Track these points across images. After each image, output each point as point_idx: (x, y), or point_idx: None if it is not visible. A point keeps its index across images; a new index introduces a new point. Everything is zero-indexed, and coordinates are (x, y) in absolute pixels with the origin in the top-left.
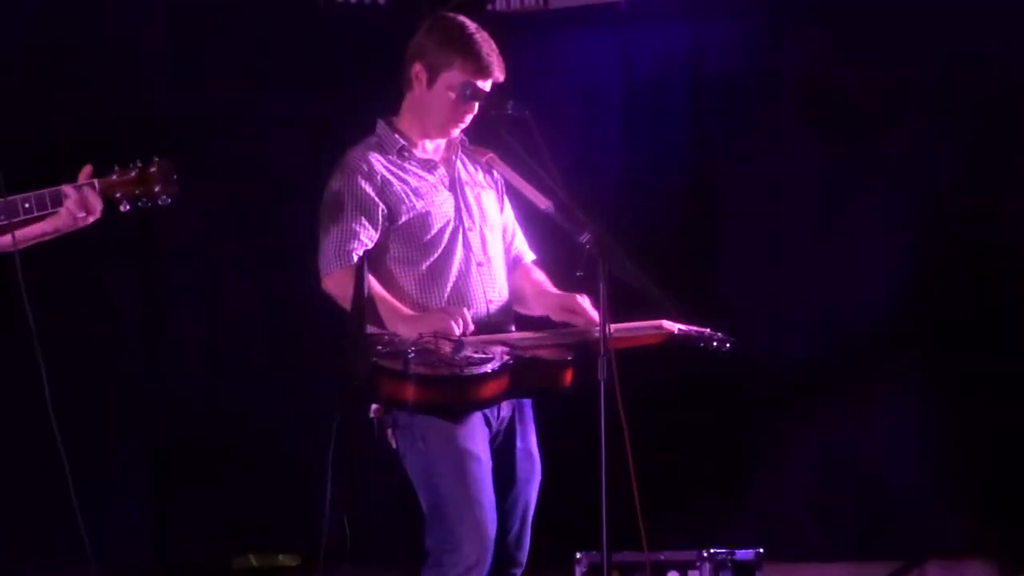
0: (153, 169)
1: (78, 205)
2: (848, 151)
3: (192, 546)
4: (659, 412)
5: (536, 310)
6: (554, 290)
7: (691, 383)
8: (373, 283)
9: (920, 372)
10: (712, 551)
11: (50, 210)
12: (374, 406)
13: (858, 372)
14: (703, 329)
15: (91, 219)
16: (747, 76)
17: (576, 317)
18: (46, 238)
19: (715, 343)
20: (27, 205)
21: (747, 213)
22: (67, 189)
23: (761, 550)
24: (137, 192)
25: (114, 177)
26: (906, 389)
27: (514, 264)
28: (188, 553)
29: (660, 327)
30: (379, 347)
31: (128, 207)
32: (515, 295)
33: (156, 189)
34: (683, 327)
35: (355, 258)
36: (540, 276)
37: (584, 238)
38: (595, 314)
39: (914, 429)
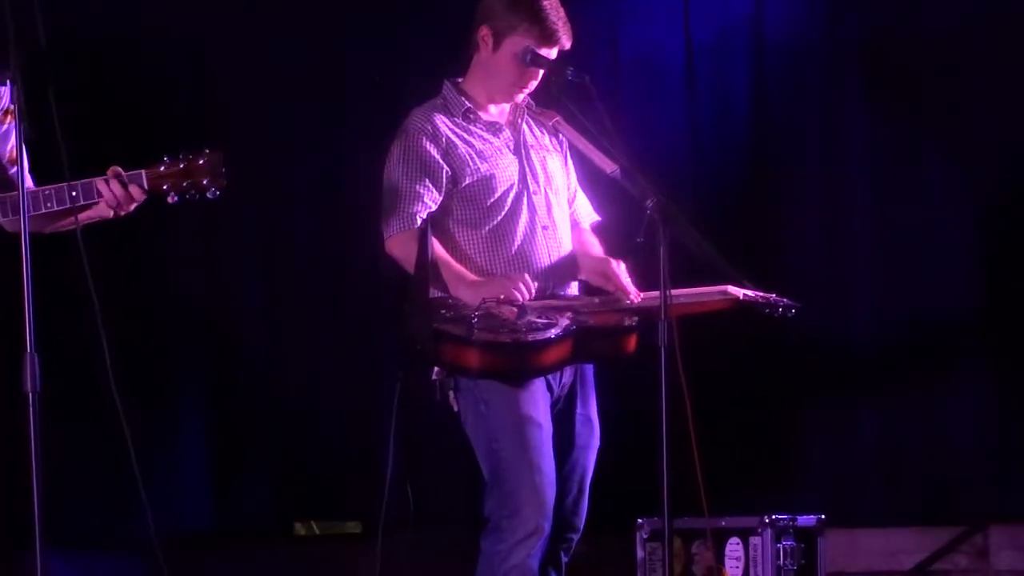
0: (202, 161)
1: (107, 201)
2: (912, 119)
3: (254, 513)
4: (721, 377)
5: (585, 275)
6: (595, 253)
7: (755, 349)
8: (436, 246)
9: (986, 340)
10: (774, 517)
11: (95, 200)
12: (436, 369)
13: (923, 340)
14: (768, 294)
15: (131, 208)
16: (809, 42)
17: (608, 283)
18: (102, 219)
19: (780, 308)
20: (74, 193)
21: (809, 181)
22: (99, 184)
23: (823, 516)
24: (185, 184)
25: (162, 168)
26: (971, 356)
27: (572, 225)
28: (250, 520)
29: (725, 292)
30: (442, 311)
31: (176, 199)
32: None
33: (204, 182)
34: (748, 292)
35: (419, 220)
36: (590, 239)
37: (649, 203)
38: (627, 282)
39: (978, 395)
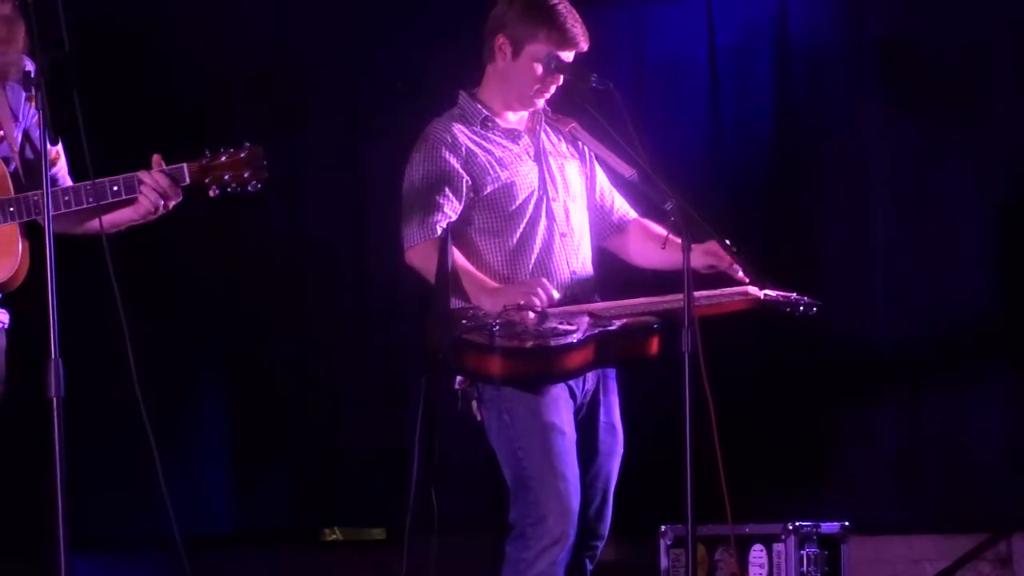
0: (243, 155)
1: (152, 190)
2: (935, 121)
3: (278, 516)
4: (744, 384)
5: (663, 261)
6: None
7: (777, 355)
8: (457, 256)
9: (1009, 345)
10: (797, 524)
11: (136, 194)
12: (459, 378)
13: (946, 344)
14: (789, 293)
15: (171, 203)
16: (832, 44)
17: (720, 261)
18: (135, 223)
19: (802, 307)
20: (115, 188)
21: (832, 183)
22: (142, 174)
23: (847, 523)
24: (227, 177)
25: (204, 162)
26: (995, 361)
27: (620, 225)
28: (273, 524)
29: (746, 293)
30: (463, 320)
31: (217, 192)
32: (636, 252)
33: (246, 175)
34: (769, 292)
35: (439, 230)
36: (660, 228)
37: (668, 206)
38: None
39: (1001, 400)
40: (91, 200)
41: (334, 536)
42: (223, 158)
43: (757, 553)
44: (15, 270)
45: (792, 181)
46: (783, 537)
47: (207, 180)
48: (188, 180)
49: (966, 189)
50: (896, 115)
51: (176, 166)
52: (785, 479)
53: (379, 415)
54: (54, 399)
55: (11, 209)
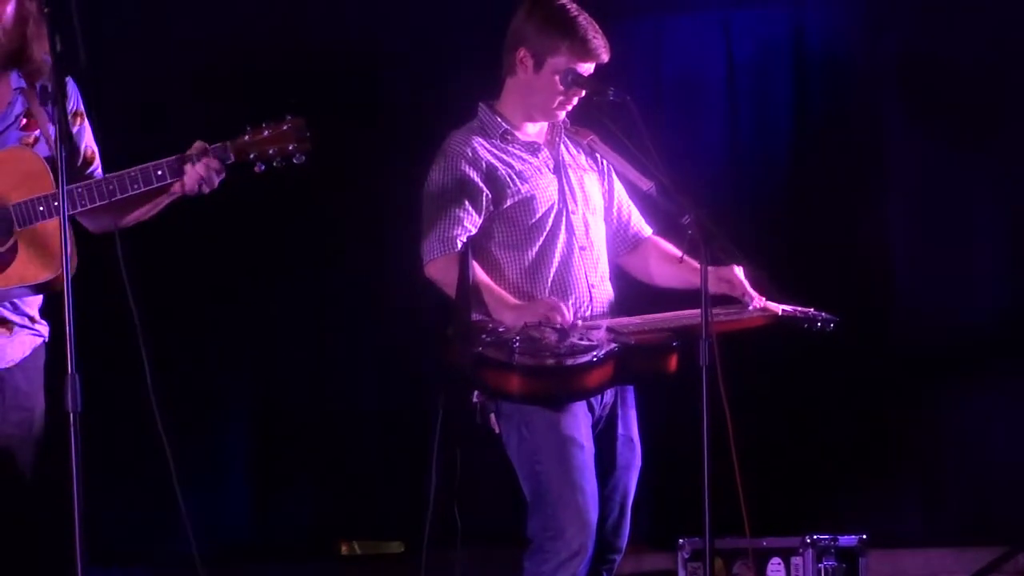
0: (286, 127)
1: (197, 172)
2: (951, 135)
3: (296, 530)
4: (762, 397)
5: (672, 281)
6: (691, 260)
7: (795, 367)
8: (477, 270)
9: None
10: (815, 537)
11: (169, 180)
12: (477, 392)
13: (966, 358)
14: (807, 309)
15: (216, 182)
16: (850, 58)
17: (733, 288)
18: (172, 199)
19: (819, 323)
20: (160, 172)
21: (849, 196)
22: (186, 157)
23: (864, 536)
24: (271, 152)
25: (246, 138)
26: (1015, 376)
27: (635, 241)
28: (291, 538)
29: (764, 309)
30: (483, 336)
31: (263, 167)
32: (644, 271)
33: (290, 147)
34: (787, 308)
35: (459, 244)
36: (672, 248)
37: (686, 219)
38: (748, 286)
39: (1019, 413)
40: (137, 187)
41: (352, 550)
42: (266, 132)
43: (775, 566)
44: (61, 269)
45: (809, 194)
46: (801, 550)
47: (252, 156)
48: (233, 158)
49: (982, 203)
50: (914, 130)
51: (219, 144)
52: (803, 492)
53: (398, 428)
54: (71, 414)
55: (55, 204)
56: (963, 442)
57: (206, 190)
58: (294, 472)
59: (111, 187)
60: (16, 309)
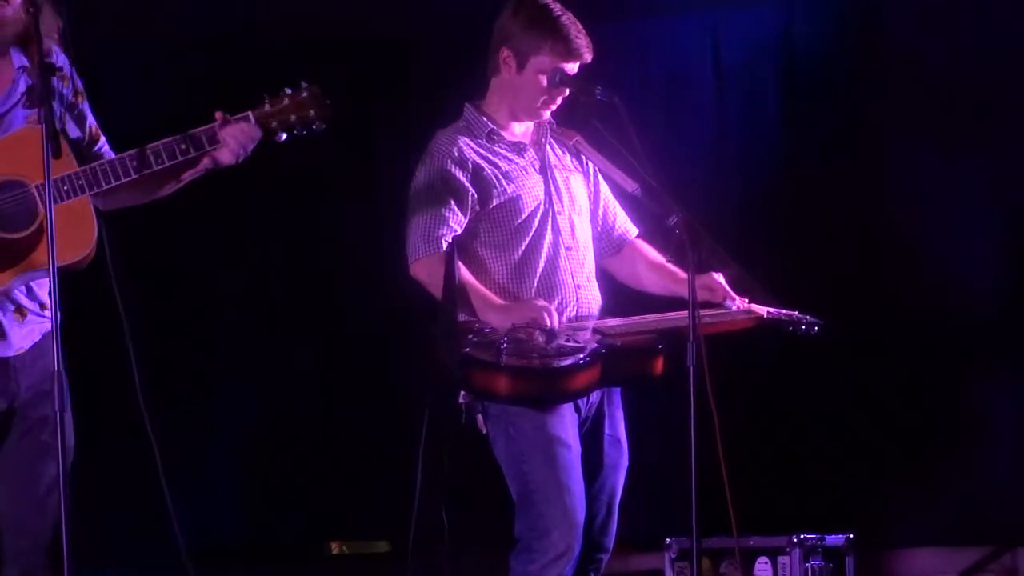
0: (305, 94)
1: (235, 138)
2: (944, 136)
3: (284, 532)
4: (749, 397)
5: (654, 287)
6: (674, 268)
7: (783, 368)
8: (462, 270)
9: (1019, 358)
10: (802, 536)
11: (207, 149)
12: (463, 393)
13: (954, 358)
14: (792, 312)
15: (251, 147)
16: (839, 59)
17: (714, 294)
18: (196, 175)
19: (804, 326)
20: (183, 146)
21: (841, 197)
22: (219, 124)
23: (851, 535)
24: (293, 119)
25: (267, 107)
26: (1004, 376)
27: (620, 243)
28: (280, 539)
29: (749, 311)
30: (470, 336)
31: (285, 136)
32: (628, 275)
33: (311, 114)
34: (772, 310)
35: (445, 244)
36: (656, 254)
37: (672, 220)
38: (730, 290)
39: (1010, 414)
40: (161, 162)
41: (340, 550)
42: (286, 100)
43: (762, 566)
44: (91, 246)
45: (799, 195)
46: (788, 550)
47: (274, 124)
48: (256, 127)
49: (976, 204)
50: (903, 131)
51: (242, 115)
52: (790, 491)
53: (385, 428)
54: (58, 413)
55: (80, 182)
56: (951, 441)
57: (241, 158)
58: (283, 473)
59: (156, 157)
60: (30, 293)
